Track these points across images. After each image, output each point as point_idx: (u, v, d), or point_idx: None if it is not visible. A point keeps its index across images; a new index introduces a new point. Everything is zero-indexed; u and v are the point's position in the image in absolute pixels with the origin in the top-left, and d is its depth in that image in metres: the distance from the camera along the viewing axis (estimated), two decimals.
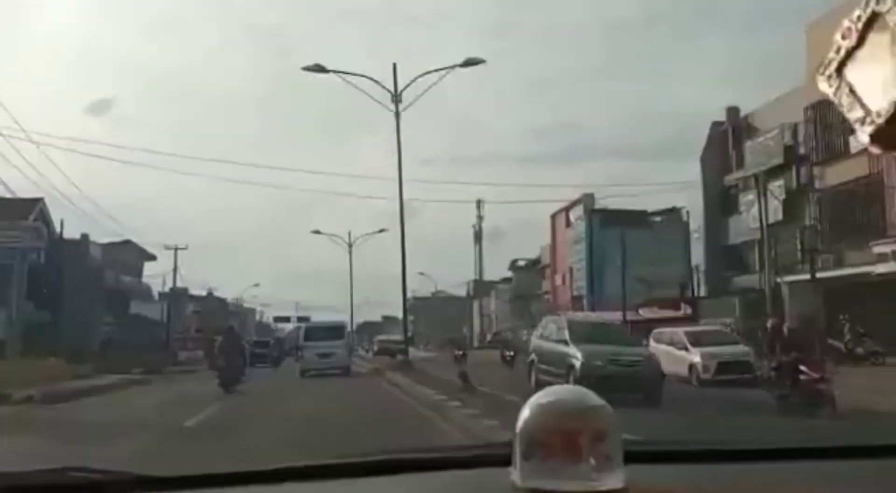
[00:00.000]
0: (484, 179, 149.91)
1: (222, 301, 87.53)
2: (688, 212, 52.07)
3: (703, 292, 46.02)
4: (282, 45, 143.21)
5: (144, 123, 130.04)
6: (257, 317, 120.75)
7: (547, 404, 1.39)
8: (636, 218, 50.11)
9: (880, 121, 1.12)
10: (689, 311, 40.89)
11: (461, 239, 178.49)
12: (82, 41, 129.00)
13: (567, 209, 65.61)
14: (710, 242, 44.80)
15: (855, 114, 1.16)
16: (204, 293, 78.46)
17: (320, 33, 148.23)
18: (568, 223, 65.75)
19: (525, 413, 1.38)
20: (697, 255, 48.94)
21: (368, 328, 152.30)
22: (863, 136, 1.16)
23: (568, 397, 1.42)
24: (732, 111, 43.19)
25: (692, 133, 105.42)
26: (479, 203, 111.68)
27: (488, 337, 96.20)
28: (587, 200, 60.60)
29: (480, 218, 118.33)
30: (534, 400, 1.40)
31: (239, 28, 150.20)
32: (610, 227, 53.45)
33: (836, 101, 1.19)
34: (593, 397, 1.41)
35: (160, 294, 61.32)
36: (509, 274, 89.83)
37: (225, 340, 22.46)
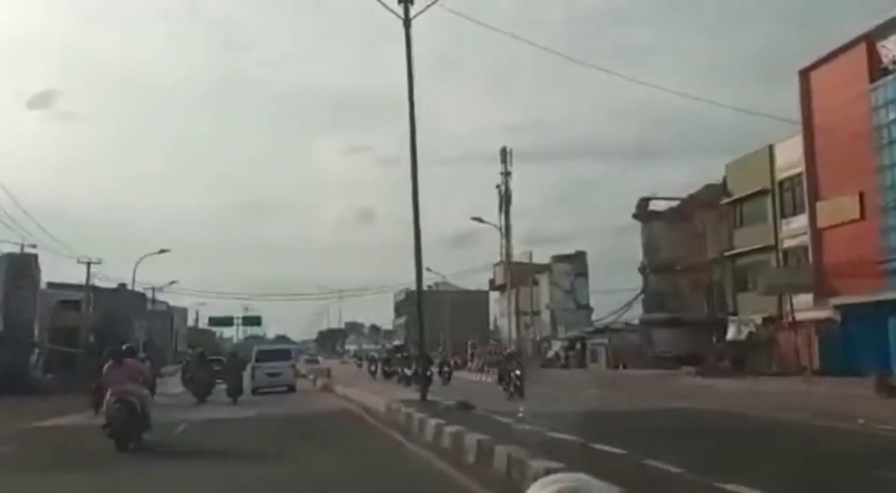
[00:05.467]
0: (452, 178, 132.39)
1: (136, 295, 61.82)
2: None
3: None
4: (232, 37, 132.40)
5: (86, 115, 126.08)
6: (191, 319, 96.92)
7: None
8: None
9: None
10: None
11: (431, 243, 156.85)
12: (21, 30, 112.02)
13: (869, 40, 28.23)
14: None
15: None
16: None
17: (276, 25, 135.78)
18: (876, 72, 28.37)
19: None
20: None
21: (330, 338, 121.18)
22: None
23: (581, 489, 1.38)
24: None
25: (667, 132, 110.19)
26: (504, 152, 77.26)
27: (556, 347, 60.22)
28: None
29: (507, 174, 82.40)
30: (538, 487, 1.42)
31: (187, 18, 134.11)
32: None
33: None
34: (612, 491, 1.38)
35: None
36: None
37: (195, 362, 29.57)
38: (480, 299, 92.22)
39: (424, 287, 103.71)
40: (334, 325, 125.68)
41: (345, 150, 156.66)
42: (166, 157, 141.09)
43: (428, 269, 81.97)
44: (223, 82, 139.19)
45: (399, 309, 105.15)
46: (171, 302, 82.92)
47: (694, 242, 41.35)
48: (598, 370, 49.24)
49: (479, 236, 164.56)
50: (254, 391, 31.07)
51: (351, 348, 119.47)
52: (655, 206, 45.22)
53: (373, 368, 44.92)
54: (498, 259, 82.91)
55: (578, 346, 59.58)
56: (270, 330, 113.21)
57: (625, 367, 47.79)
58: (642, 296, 45.10)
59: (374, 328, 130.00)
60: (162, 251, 52.14)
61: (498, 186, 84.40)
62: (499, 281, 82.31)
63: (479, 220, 46.95)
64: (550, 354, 63.79)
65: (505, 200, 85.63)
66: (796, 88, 32.24)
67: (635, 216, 45.18)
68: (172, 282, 66.26)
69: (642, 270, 44.73)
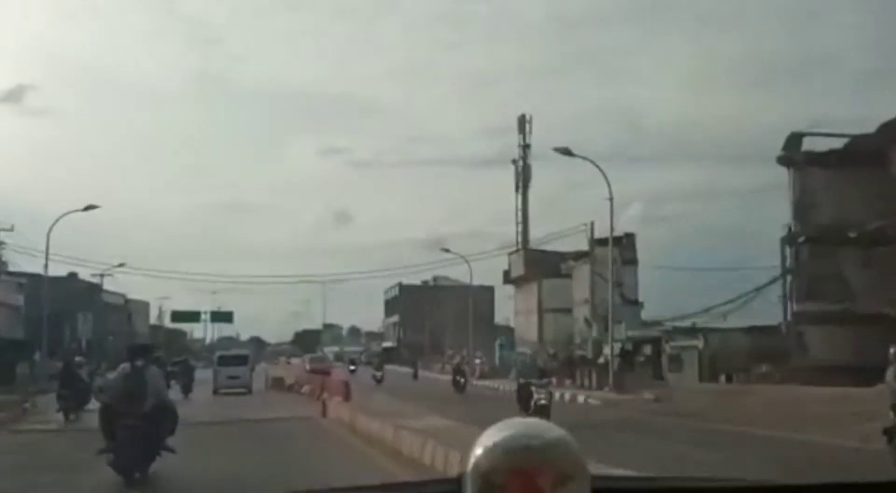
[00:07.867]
0: (427, 182, 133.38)
1: (88, 286, 59.45)
2: None
3: None
4: (208, 35, 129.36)
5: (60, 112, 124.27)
6: (153, 316, 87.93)
7: (500, 440, 1.28)
8: None
9: None
10: None
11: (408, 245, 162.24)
12: None
13: None
14: None
15: None
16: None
17: (251, 24, 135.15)
18: None
19: (477, 451, 1.28)
20: None
21: (308, 340, 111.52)
22: None
23: (523, 431, 1.29)
24: None
25: (647, 136, 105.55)
26: (522, 120, 69.88)
27: (609, 351, 46.28)
28: None
29: (525, 147, 71.16)
30: (486, 435, 1.30)
31: (161, 16, 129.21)
32: None
33: None
34: (553, 431, 1.30)
35: None
36: None
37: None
38: (483, 294, 79.23)
39: (418, 282, 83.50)
40: (310, 326, 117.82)
41: (320, 150, 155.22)
42: (140, 154, 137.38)
43: (446, 250, 67.92)
44: (197, 80, 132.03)
45: (390, 307, 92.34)
46: (132, 295, 75.52)
47: (884, 196, 27.35)
48: (692, 384, 35.34)
49: (451, 241, 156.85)
50: (215, 392, 35.52)
51: (329, 349, 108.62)
52: (812, 145, 30.82)
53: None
54: (513, 247, 69.21)
55: (648, 350, 45.39)
56: (244, 331, 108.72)
57: (729, 380, 34.57)
58: (789, 277, 31.07)
59: (354, 330, 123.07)
60: (88, 208, 42.59)
61: (514, 161, 70.37)
62: (515, 272, 68.22)
63: None
64: (600, 360, 49.19)
65: (523, 175, 71.23)
66: None
67: (781, 160, 30.97)
68: (120, 264, 56.72)
69: (790, 239, 30.71)
